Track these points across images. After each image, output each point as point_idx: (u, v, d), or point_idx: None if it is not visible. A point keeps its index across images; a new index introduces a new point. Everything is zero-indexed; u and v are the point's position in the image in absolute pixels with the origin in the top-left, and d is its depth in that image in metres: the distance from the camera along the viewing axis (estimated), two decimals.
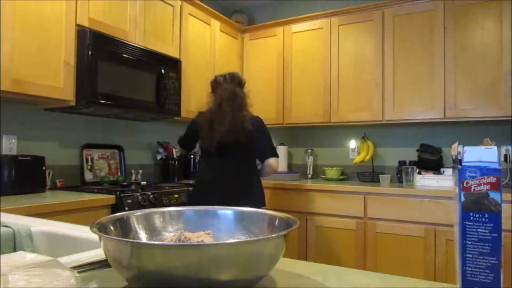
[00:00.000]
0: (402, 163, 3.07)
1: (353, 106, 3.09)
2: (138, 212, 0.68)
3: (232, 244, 0.54)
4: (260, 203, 2.18)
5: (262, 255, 0.51)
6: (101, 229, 0.56)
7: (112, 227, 0.61)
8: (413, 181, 2.85)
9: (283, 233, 0.54)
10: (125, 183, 2.55)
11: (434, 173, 2.86)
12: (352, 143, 3.44)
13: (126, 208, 2.00)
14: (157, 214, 0.70)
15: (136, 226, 0.65)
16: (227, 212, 0.70)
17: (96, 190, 2.17)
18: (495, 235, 0.49)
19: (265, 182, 2.68)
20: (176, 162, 3.06)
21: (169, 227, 0.69)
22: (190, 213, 0.71)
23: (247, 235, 0.67)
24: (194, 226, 0.70)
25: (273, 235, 0.53)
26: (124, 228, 0.63)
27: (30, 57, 1.92)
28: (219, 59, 3.31)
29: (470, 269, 0.50)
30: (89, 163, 2.57)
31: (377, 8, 3.02)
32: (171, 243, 0.63)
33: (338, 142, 3.52)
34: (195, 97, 2.97)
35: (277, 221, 0.64)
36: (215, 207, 0.71)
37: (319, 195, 2.85)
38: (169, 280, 0.47)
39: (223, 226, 0.69)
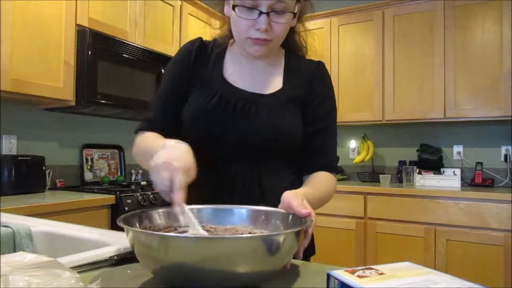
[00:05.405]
0: (402, 163, 3.07)
1: (353, 106, 3.08)
2: (161, 209, 0.71)
3: (259, 236, 0.58)
4: None
5: (280, 249, 0.53)
6: (126, 223, 0.58)
7: (137, 222, 0.65)
8: (413, 181, 2.85)
9: (298, 228, 0.57)
10: (125, 183, 2.54)
11: (434, 173, 2.86)
12: (352, 143, 3.44)
13: (126, 208, 2.00)
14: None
15: (159, 222, 0.69)
16: (242, 210, 0.74)
17: (96, 190, 2.17)
18: None
19: None
20: None
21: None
22: (207, 211, 0.74)
23: (264, 231, 0.71)
24: (212, 224, 0.73)
25: (290, 230, 0.57)
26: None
27: (30, 57, 1.92)
28: None
29: None
30: (89, 163, 2.57)
31: (377, 8, 3.02)
32: (194, 236, 0.64)
33: (338, 142, 3.47)
34: None
35: (290, 218, 0.68)
36: (231, 206, 0.75)
37: None
38: (194, 271, 0.50)
39: (239, 223, 0.73)
